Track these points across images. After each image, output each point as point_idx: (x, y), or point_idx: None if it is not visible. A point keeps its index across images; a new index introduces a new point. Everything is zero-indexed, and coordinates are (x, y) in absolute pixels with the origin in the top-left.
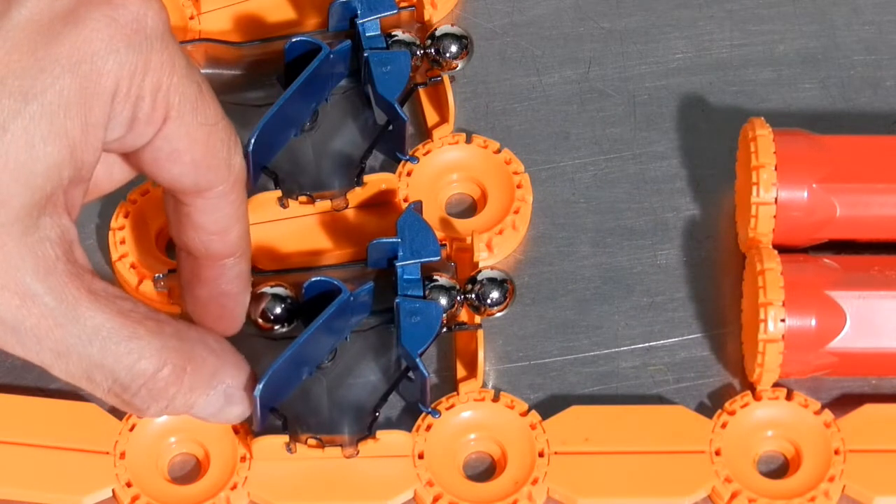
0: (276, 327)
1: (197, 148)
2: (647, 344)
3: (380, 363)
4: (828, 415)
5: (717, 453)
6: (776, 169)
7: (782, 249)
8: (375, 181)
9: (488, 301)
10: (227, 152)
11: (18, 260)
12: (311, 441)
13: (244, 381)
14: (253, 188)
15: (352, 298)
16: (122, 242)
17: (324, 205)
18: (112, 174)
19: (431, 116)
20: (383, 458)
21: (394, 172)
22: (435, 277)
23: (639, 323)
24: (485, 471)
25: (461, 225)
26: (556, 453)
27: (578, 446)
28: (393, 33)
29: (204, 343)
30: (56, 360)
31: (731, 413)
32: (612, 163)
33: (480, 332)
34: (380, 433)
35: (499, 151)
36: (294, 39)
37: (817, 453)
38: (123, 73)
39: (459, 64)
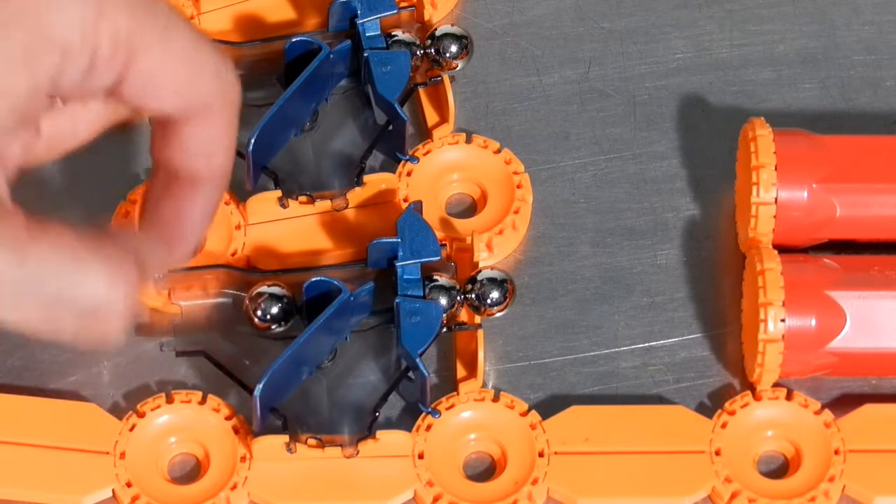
0: (273, 327)
1: (177, 76)
2: (647, 344)
3: (380, 363)
4: (828, 415)
5: (717, 453)
6: (776, 169)
7: (782, 249)
8: (375, 181)
9: (488, 301)
10: (214, 72)
11: None
12: (311, 441)
13: (160, 252)
14: (253, 188)
15: (352, 298)
16: None
17: (324, 205)
18: (76, 129)
19: (431, 116)
20: (383, 458)
21: (394, 172)
22: (435, 277)
23: (639, 323)
24: (485, 471)
25: (461, 225)
26: (556, 453)
27: (578, 446)
28: (393, 33)
29: (136, 243)
30: (11, 307)
31: (731, 413)
32: (612, 163)
33: (480, 332)
34: (380, 433)
35: (499, 151)
36: (294, 39)
37: (817, 453)
38: (74, 25)
39: (459, 64)
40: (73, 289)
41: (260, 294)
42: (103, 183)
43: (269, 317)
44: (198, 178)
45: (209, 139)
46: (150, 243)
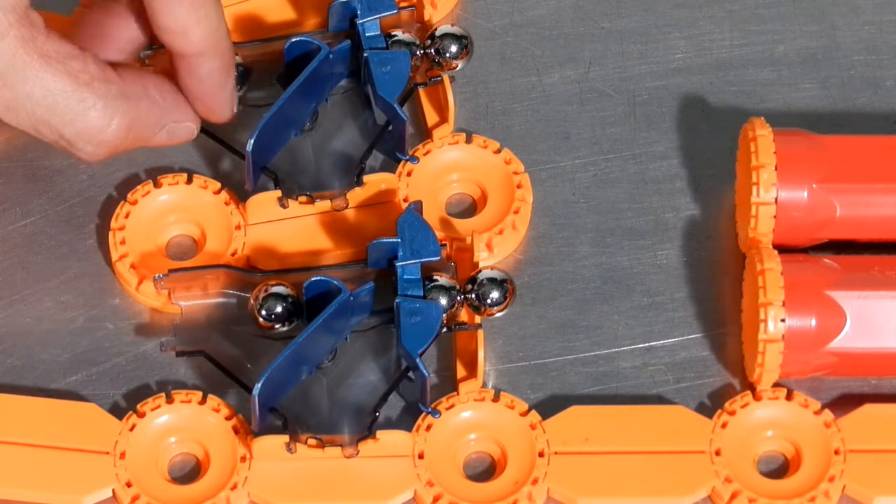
0: (277, 326)
1: None
2: (647, 344)
3: (380, 363)
4: (828, 415)
5: (717, 453)
6: (776, 169)
7: (782, 249)
8: (375, 181)
9: (488, 301)
10: None
11: None
12: (311, 441)
13: (185, 116)
14: (253, 188)
15: (352, 298)
16: (122, 242)
17: (324, 205)
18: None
19: (431, 116)
20: (383, 458)
21: (394, 172)
22: (435, 277)
23: (639, 323)
24: (485, 471)
25: (461, 225)
26: (556, 453)
27: (578, 446)
28: (393, 33)
29: (147, 97)
30: (6, 112)
31: (731, 413)
32: (612, 163)
33: (480, 332)
34: (380, 433)
35: (499, 151)
36: (294, 39)
37: (817, 453)
38: None
39: (459, 64)
40: (61, 119)
41: (265, 293)
42: (103, 183)
43: (273, 316)
44: (184, 53)
45: (178, 15)
46: (149, 101)
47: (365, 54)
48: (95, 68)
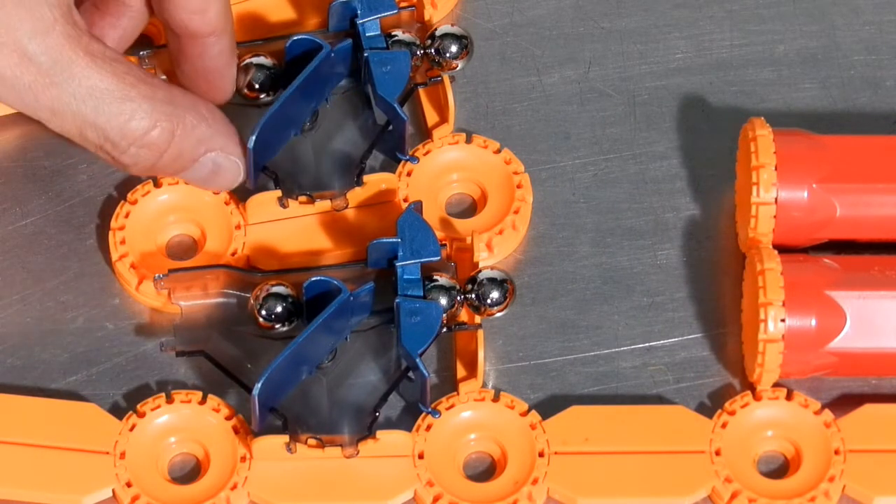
0: (277, 326)
1: None
2: (647, 344)
3: (380, 363)
4: (828, 415)
5: (717, 453)
6: (776, 169)
7: (782, 249)
8: (375, 181)
9: (488, 301)
10: None
11: (16, 20)
12: (311, 441)
13: (234, 150)
14: (253, 188)
15: (352, 298)
16: (122, 242)
17: (324, 205)
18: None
19: (431, 116)
20: (383, 458)
21: (394, 172)
22: (435, 277)
23: (639, 323)
24: (485, 471)
25: (461, 225)
26: (556, 453)
27: (578, 446)
28: (393, 33)
29: (195, 110)
30: (52, 116)
31: (731, 413)
32: (612, 163)
33: (480, 332)
34: (380, 433)
35: (499, 151)
36: (295, 38)
37: (817, 453)
38: None
39: (459, 64)
40: (107, 119)
41: (265, 293)
42: (103, 183)
43: (273, 316)
44: (199, 33)
45: None
46: (196, 114)
47: (365, 54)
48: (141, 72)
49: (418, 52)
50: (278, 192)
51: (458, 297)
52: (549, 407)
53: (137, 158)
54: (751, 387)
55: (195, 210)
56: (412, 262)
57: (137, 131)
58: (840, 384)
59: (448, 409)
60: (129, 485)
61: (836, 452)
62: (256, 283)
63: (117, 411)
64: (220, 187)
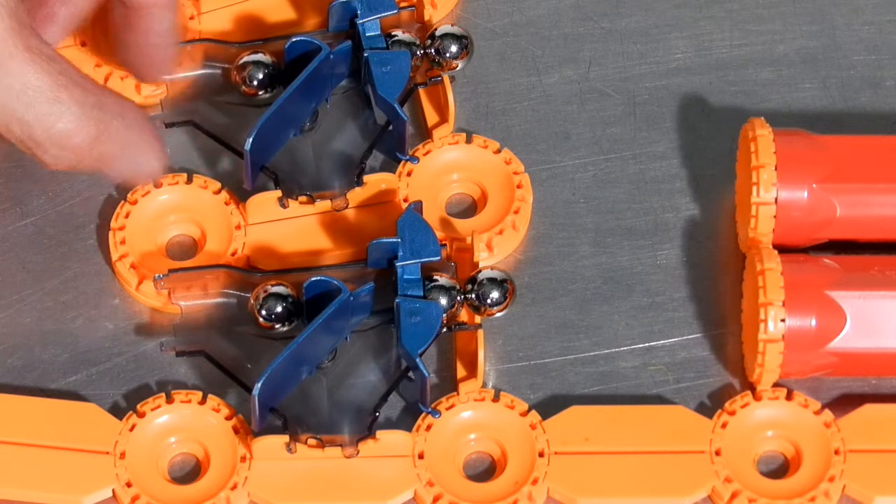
0: (277, 326)
1: None
2: (647, 344)
3: (380, 363)
4: (828, 415)
5: (717, 453)
6: (776, 169)
7: (782, 249)
8: (375, 181)
9: (488, 301)
10: None
11: None
12: (311, 441)
13: (156, 156)
14: (251, 188)
15: (352, 298)
16: (123, 242)
17: (324, 205)
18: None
19: (431, 116)
20: (383, 458)
21: (394, 172)
22: (435, 277)
23: (639, 323)
24: (485, 471)
25: (461, 225)
26: (556, 453)
27: (578, 446)
28: (393, 33)
29: (122, 117)
30: None
31: (731, 413)
32: (612, 163)
33: (480, 332)
34: (380, 433)
35: (499, 151)
36: (294, 39)
37: (817, 453)
38: None
39: (459, 64)
40: (35, 118)
41: (265, 293)
42: (103, 183)
43: (273, 316)
44: (146, 4)
45: None
46: (122, 121)
47: (365, 54)
48: (75, 73)
49: (418, 52)
50: (278, 193)
51: (458, 297)
52: (549, 407)
53: (58, 159)
54: (751, 387)
55: (195, 210)
56: (412, 262)
57: (61, 134)
58: (840, 384)
59: (448, 409)
60: (129, 485)
61: (836, 452)
62: (256, 284)
63: (117, 411)
64: (134, 185)
